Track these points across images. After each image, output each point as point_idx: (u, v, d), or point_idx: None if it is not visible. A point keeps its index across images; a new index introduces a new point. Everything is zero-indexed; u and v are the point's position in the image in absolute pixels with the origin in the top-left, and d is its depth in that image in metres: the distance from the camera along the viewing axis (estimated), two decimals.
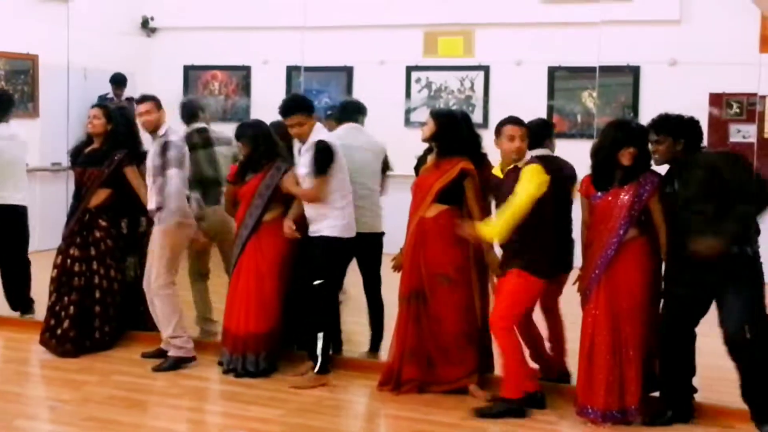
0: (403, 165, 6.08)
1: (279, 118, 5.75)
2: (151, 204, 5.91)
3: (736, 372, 4.91)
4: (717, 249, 4.65)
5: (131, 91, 10.15)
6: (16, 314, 6.99)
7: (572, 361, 5.35)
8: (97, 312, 6.20)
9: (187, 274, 6.48)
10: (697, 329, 5.00)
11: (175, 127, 6.16)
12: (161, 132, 5.96)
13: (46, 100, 9.95)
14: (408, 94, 10.45)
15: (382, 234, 6.11)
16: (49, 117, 9.76)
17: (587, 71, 9.08)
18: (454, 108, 9.41)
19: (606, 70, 8.98)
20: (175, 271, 5.97)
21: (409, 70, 10.45)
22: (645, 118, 7.61)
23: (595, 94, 9.47)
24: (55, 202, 9.13)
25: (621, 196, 4.94)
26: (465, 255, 5.38)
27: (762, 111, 8.90)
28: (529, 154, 5.17)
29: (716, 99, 9.13)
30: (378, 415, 5.36)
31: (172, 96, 7.18)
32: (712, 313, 4.93)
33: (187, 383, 5.74)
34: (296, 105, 5.68)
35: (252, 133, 5.83)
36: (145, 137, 6.27)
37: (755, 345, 4.75)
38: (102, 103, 6.27)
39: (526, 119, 5.31)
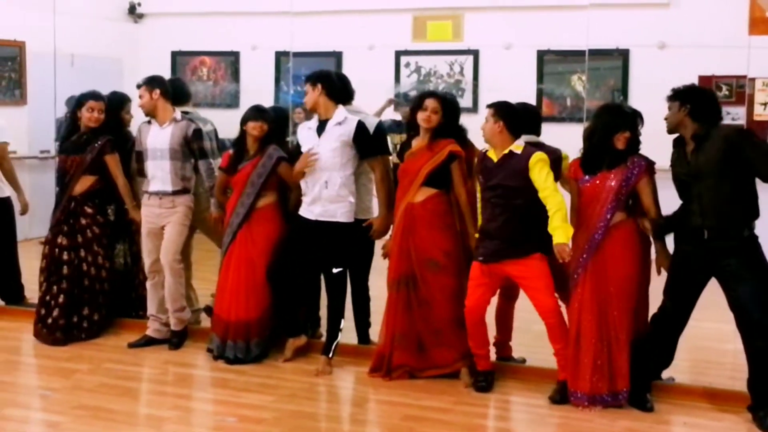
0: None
1: (272, 103, 5.74)
2: (158, 186, 5.97)
3: (724, 356, 4.91)
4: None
5: (118, 78, 10.09)
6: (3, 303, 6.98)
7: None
8: (86, 300, 6.19)
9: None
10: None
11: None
12: (176, 116, 6.02)
13: (33, 87, 9.89)
14: (397, 79, 10.42)
15: None
16: (36, 104, 9.71)
17: (576, 54, 9.06)
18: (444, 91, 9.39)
19: (595, 53, 8.98)
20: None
21: (399, 54, 10.43)
22: (634, 101, 7.63)
23: (584, 78, 9.47)
24: (44, 191, 9.12)
25: (609, 180, 4.93)
26: (453, 240, 5.37)
27: (751, 93, 8.90)
28: (522, 139, 5.17)
29: (706, 82, 9.09)
30: (369, 401, 5.36)
31: None
32: (702, 298, 4.93)
33: (177, 370, 5.74)
34: None
35: (276, 115, 5.99)
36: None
37: None
38: (98, 94, 6.19)
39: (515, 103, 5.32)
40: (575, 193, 5.09)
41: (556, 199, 4.94)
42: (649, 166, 4.96)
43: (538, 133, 5.53)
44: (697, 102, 4.85)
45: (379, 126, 5.82)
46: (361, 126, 5.54)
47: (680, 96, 4.88)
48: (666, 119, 4.94)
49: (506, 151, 5.10)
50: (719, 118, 4.91)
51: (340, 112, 5.57)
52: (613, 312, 4.93)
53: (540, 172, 4.98)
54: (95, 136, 6.15)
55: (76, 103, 6.22)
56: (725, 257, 4.74)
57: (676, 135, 4.97)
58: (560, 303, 5.17)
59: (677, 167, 4.94)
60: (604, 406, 4.95)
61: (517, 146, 5.10)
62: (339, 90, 5.65)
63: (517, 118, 5.17)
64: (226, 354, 5.76)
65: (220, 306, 5.85)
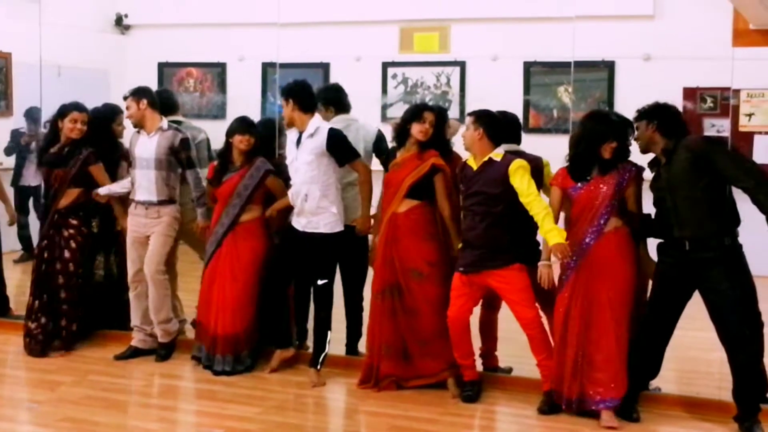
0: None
1: (259, 114, 5.72)
2: (144, 195, 5.94)
3: (711, 365, 4.91)
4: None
5: (105, 89, 10.07)
6: None
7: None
8: (64, 311, 6.16)
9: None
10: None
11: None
12: (162, 125, 5.98)
13: (19, 99, 9.85)
14: (384, 90, 10.44)
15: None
16: (22, 115, 9.66)
17: (563, 66, 9.09)
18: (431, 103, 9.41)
19: (581, 65, 9.00)
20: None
21: (386, 66, 10.44)
22: (620, 112, 7.64)
23: (570, 89, 9.50)
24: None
25: (602, 186, 4.94)
26: (437, 249, 5.37)
27: (736, 105, 8.95)
28: (502, 148, 5.19)
29: (690, 93, 9.17)
30: (356, 412, 5.36)
31: None
32: (688, 307, 4.94)
33: (163, 382, 5.72)
34: None
35: (263, 131, 5.96)
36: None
37: (752, 341, 4.72)
38: (81, 106, 6.16)
39: None
40: (557, 200, 5.08)
41: (541, 204, 4.95)
42: (638, 173, 4.99)
43: (518, 141, 5.54)
44: (662, 117, 4.93)
45: (379, 131, 5.92)
46: (332, 133, 5.51)
47: (646, 115, 4.97)
48: (636, 140, 5.01)
49: (486, 159, 5.11)
50: (686, 131, 4.99)
51: (313, 123, 5.53)
52: (606, 317, 4.91)
53: (521, 179, 5.00)
54: (78, 148, 6.12)
55: (58, 113, 6.17)
56: (707, 268, 4.75)
57: (651, 158, 5.02)
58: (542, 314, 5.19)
59: (653, 184, 4.99)
60: (597, 409, 4.93)
61: (497, 154, 5.12)
62: (312, 101, 5.63)
63: (497, 126, 5.19)
64: (214, 368, 5.74)
65: (206, 318, 5.82)
